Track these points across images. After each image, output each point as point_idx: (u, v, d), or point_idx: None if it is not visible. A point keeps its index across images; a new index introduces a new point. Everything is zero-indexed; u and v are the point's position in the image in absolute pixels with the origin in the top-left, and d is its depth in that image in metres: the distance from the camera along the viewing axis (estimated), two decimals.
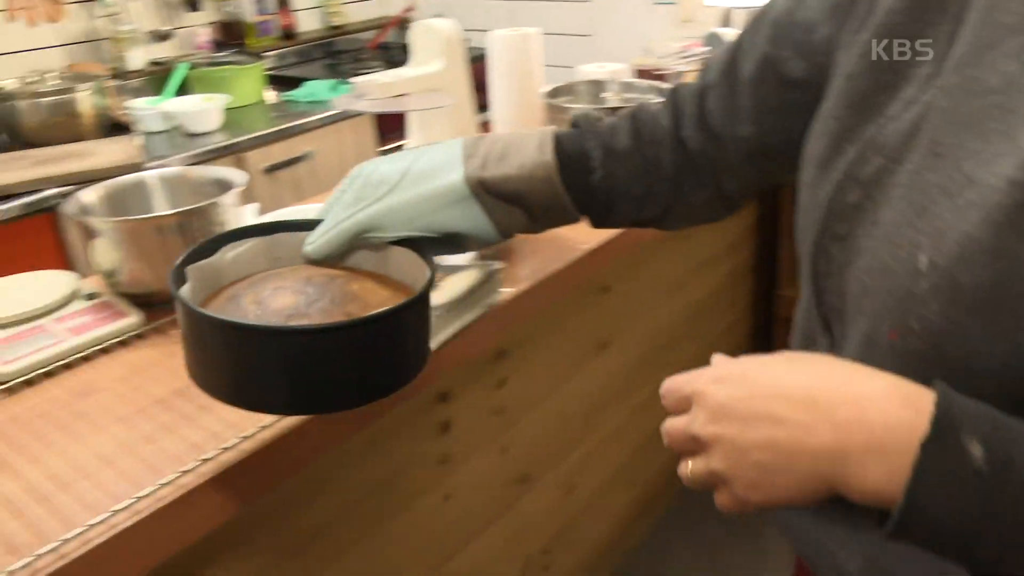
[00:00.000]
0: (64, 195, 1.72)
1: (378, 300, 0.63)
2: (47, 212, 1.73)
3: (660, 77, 1.71)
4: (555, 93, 1.50)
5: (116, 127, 2.10)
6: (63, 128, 1.95)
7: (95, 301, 1.02)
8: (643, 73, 1.87)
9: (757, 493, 0.44)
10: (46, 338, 0.94)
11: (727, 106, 0.65)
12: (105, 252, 1.02)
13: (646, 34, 2.40)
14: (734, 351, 0.49)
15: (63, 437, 0.79)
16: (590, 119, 0.70)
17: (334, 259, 0.67)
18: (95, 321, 0.98)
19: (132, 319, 0.99)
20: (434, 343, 0.91)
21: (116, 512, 0.68)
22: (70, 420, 0.82)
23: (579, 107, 1.41)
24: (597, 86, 1.53)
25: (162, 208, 1.12)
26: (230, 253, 0.67)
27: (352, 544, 1.05)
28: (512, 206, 0.65)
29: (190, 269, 0.63)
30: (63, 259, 1.77)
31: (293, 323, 0.59)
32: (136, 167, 1.79)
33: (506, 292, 1.01)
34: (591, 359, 1.49)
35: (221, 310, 0.62)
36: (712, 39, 1.70)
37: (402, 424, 1.07)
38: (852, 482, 0.41)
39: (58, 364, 0.91)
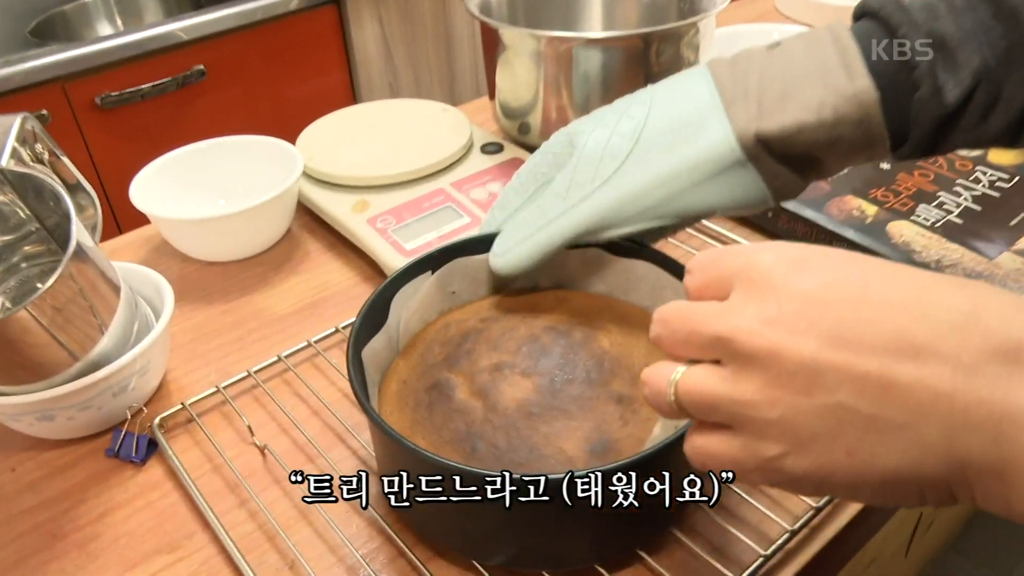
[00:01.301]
0: None
1: (640, 357, 0.43)
2: (333, 3, 1.41)
3: None
4: None
5: None
6: None
7: (500, 158, 0.69)
8: None
9: (810, 459, 0.26)
10: (453, 213, 0.63)
11: None
12: (517, 80, 0.68)
13: None
14: None
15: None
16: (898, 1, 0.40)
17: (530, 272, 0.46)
18: None
19: None
20: None
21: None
22: None
23: None
24: None
25: (593, 15, 0.75)
26: (404, 311, 0.47)
27: None
28: (800, 164, 0.42)
29: (367, 355, 0.43)
30: (348, 67, 1.47)
31: (543, 427, 0.39)
32: None
33: None
34: None
35: (426, 406, 0.42)
36: None
37: None
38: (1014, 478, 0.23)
39: None
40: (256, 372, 0.53)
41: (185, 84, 1.28)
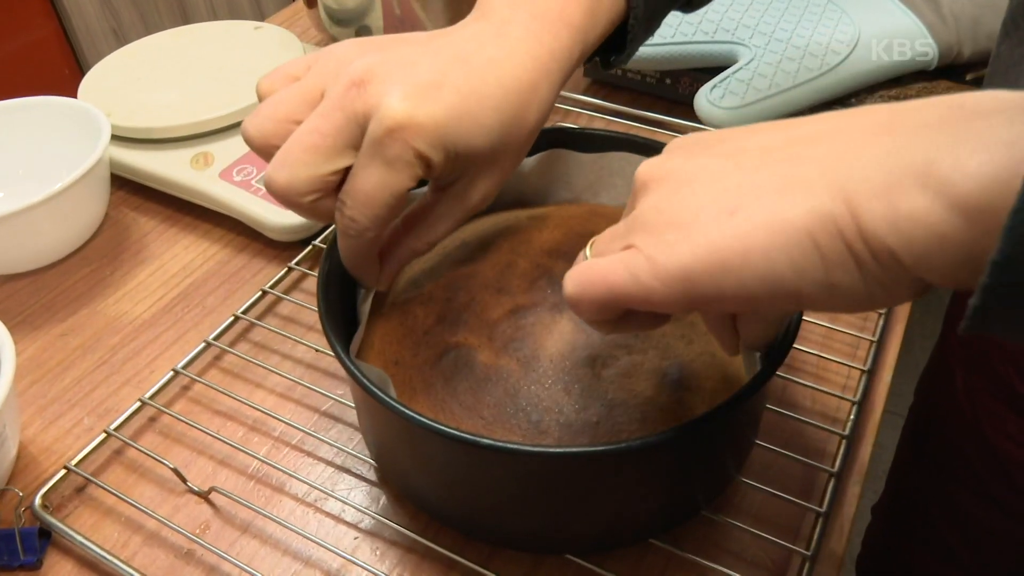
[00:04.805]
0: None
1: None
2: None
3: None
4: None
5: None
6: None
7: None
8: None
9: (690, 242, 0.22)
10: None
11: None
12: None
13: None
14: None
15: None
16: None
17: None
18: None
19: None
20: None
21: None
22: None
23: None
24: None
25: None
26: None
27: None
28: None
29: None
30: (57, 17, 1.21)
31: (608, 370, 0.32)
32: None
33: None
34: None
35: (442, 387, 0.32)
36: None
37: None
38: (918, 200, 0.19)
39: None
40: (151, 398, 0.40)
41: None
